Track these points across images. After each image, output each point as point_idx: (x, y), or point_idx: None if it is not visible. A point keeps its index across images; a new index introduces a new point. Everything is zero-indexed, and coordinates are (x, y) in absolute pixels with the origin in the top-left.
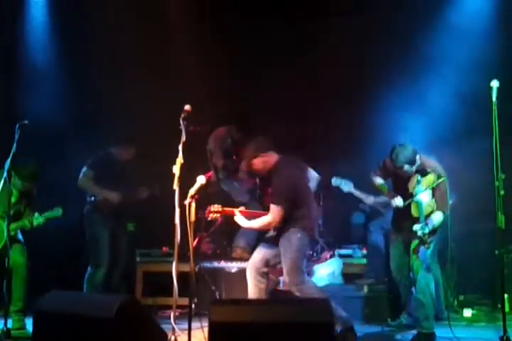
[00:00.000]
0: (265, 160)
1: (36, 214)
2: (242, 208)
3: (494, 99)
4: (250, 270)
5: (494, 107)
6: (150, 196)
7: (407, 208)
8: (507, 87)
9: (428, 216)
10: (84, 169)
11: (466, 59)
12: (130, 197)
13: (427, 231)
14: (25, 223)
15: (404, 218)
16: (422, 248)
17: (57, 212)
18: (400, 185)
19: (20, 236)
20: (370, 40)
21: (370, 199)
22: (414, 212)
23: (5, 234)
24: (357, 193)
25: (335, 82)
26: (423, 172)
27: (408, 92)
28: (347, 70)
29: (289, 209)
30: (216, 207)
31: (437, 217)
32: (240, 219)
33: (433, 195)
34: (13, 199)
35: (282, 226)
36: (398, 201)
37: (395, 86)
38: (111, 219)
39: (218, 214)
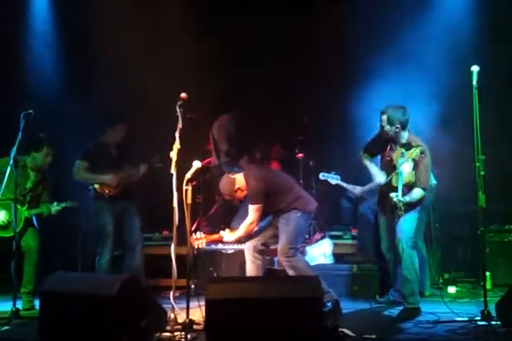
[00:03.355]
0: (242, 188)
1: (55, 203)
2: (227, 231)
3: (475, 83)
4: (248, 248)
5: (475, 91)
6: (154, 169)
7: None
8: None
9: (406, 185)
10: (76, 162)
11: (447, 49)
12: (131, 177)
13: (402, 199)
14: (44, 210)
15: (388, 199)
16: (404, 218)
17: (73, 203)
18: (387, 162)
19: (34, 221)
20: (355, 30)
21: (357, 190)
22: (394, 182)
23: (22, 217)
24: (344, 185)
25: (322, 72)
26: (408, 146)
27: (391, 81)
28: (332, 58)
29: (273, 199)
30: (199, 234)
31: (416, 192)
32: (227, 237)
33: (414, 168)
34: (29, 185)
35: (280, 209)
36: (381, 178)
37: (379, 75)
38: (114, 203)
39: (203, 240)
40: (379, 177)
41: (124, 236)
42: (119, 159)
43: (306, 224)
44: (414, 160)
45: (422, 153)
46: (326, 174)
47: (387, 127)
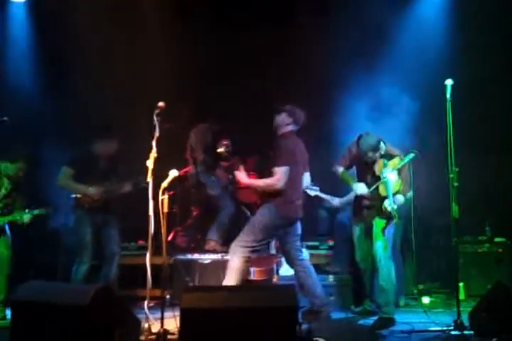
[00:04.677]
0: (288, 123)
1: (26, 210)
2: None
3: (448, 96)
4: (237, 256)
5: (448, 104)
6: (137, 189)
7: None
8: (461, 87)
9: (395, 194)
10: (63, 167)
11: (424, 58)
12: (114, 192)
13: (394, 206)
14: (17, 217)
15: (363, 205)
16: (387, 229)
17: (46, 210)
18: (364, 172)
19: (7, 229)
20: (336, 39)
21: (335, 201)
22: (382, 191)
23: None
24: (323, 196)
25: (300, 84)
26: (388, 156)
27: (370, 90)
28: (314, 69)
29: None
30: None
31: (400, 198)
32: (242, 175)
33: (399, 176)
34: (3, 191)
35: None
36: (362, 189)
37: (360, 84)
38: (94, 215)
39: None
40: (360, 188)
41: (102, 247)
42: (106, 172)
43: (272, 221)
44: (398, 169)
45: (402, 161)
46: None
47: (370, 154)
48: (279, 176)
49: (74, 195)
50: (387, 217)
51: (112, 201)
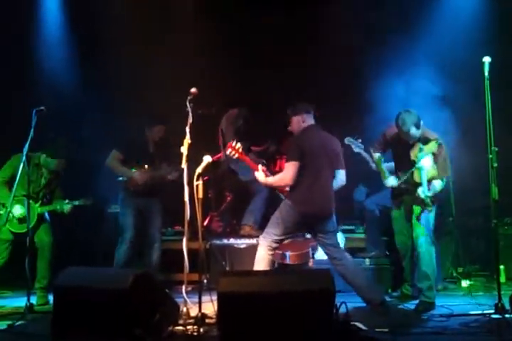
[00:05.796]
0: (300, 121)
1: (66, 200)
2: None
3: (486, 73)
4: (262, 244)
5: (486, 82)
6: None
7: (405, 181)
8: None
9: (431, 180)
10: (113, 151)
11: (461, 36)
12: (160, 178)
13: (428, 194)
14: (57, 207)
15: (403, 191)
16: (424, 214)
17: (86, 201)
18: (400, 156)
19: (47, 216)
20: (372, 17)
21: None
22: (416, 177)
23: (35, 213)
24: (365, 155)
25: (338, 63)
26: (425, 140)
27: (401, 74)
28: (348, 49)
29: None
30: (238, 146)
31: (437, 184)
32: (260, 175)
33: (435, 161)
34: (43, 181)
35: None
36: (392, 181)
37: (388, 68)
38: (137, 198)
39: (236, 154)
40: (390, 181)
41: (144, 232)
42: (155, 157)
43: (290, 216)
44: (433, 154)
45: (439, 146)
46: (351, 140)
47: (413, 130)
48: (286, 171)
49: (120, 178)
50: (423, 203)
51: (158, 187)
